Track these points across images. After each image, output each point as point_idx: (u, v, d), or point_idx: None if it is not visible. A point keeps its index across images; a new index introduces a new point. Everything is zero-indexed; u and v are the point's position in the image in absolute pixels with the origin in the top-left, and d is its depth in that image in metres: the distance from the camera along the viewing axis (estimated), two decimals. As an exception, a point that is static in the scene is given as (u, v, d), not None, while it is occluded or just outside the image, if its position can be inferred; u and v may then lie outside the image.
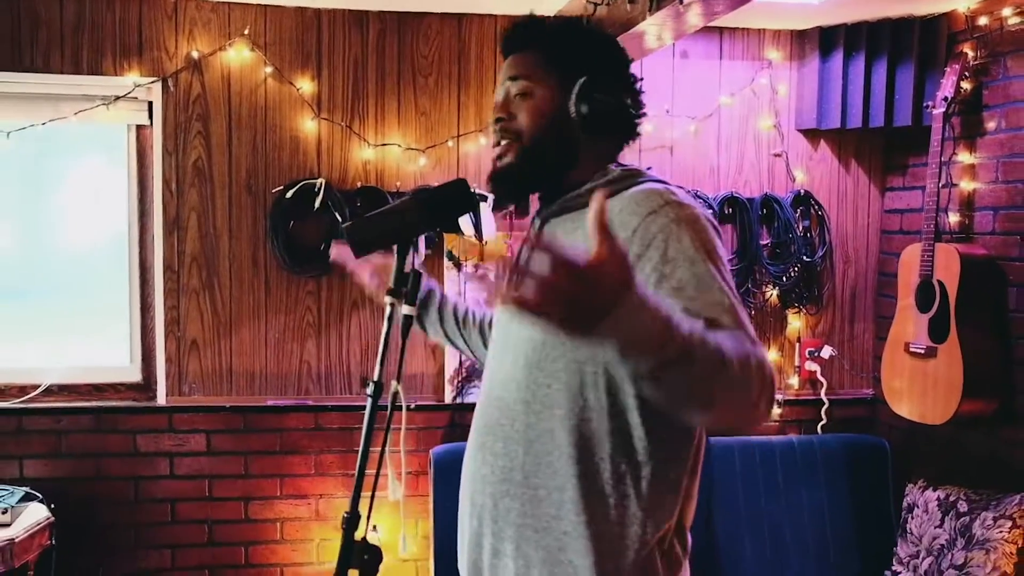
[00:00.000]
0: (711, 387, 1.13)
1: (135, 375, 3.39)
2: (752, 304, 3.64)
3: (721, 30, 3.58)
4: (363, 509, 1.49)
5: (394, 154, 3.40)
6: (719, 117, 3.60)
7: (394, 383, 1.65)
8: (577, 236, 1.45)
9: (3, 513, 2.79)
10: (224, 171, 3.32)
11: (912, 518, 3.30)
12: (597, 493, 1.42)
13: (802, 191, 3.65)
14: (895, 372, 3.31)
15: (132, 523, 3.31)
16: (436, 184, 2.06)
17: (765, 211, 3.63)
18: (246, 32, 3.28)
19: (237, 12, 3.29)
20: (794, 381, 3.71)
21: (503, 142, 1.56)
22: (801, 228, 3.65)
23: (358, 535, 1.52)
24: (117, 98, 3.23)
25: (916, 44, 3.35)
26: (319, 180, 3.31)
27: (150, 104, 3.28)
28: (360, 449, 1.60)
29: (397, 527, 3.30)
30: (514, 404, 1.49)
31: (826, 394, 3.70)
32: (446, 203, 1.60)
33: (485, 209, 3.35)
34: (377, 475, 1.51)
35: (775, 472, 3.50)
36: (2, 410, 3.24)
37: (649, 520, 1.42)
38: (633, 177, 1.50)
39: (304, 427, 3.38)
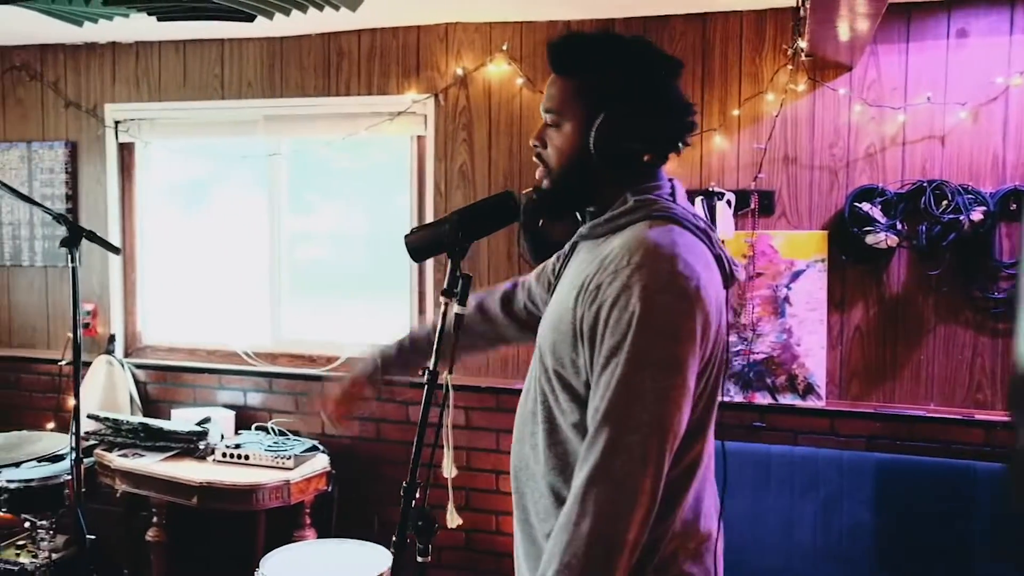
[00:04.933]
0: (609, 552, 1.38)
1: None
2: (1043, 314, 3.16)
3: (1012, 1, 3.16)
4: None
5: (637, 154, 3.50)
6: (1006, 100, 3.18)
7: (445, 374, 1.87)
8: (591, 264, 1.53)
9: (287, 459, 3.42)
10: (484, 174, 3.68)
11: None
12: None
13: (1114, 183, 3.09)
14: None
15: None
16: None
17: (1062, 207, 3.13)
18: (504, 48, 3.61)
19: (497, 30, 3.62)
20: (1101, 407, 3.15)
21: (540, 167, 1.64)
22: (1113, 227, 3.09)
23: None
24: (399, 113, 3.75)
25: None
26: (564, 181, 3.53)
27: (425, 117, 3.75)
28: (417, 429, 1.84)
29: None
30: (534, 407, 1.64)
31: None
32: (481, 218, 1.77)
33: (721, 207, 3.35)
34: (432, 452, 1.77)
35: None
36: (314, 376, 3.93)
37: None
38: (639, 211, 1.53)
39: (549, 411, 3.63)
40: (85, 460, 3.62)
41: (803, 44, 2.93)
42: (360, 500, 3.82)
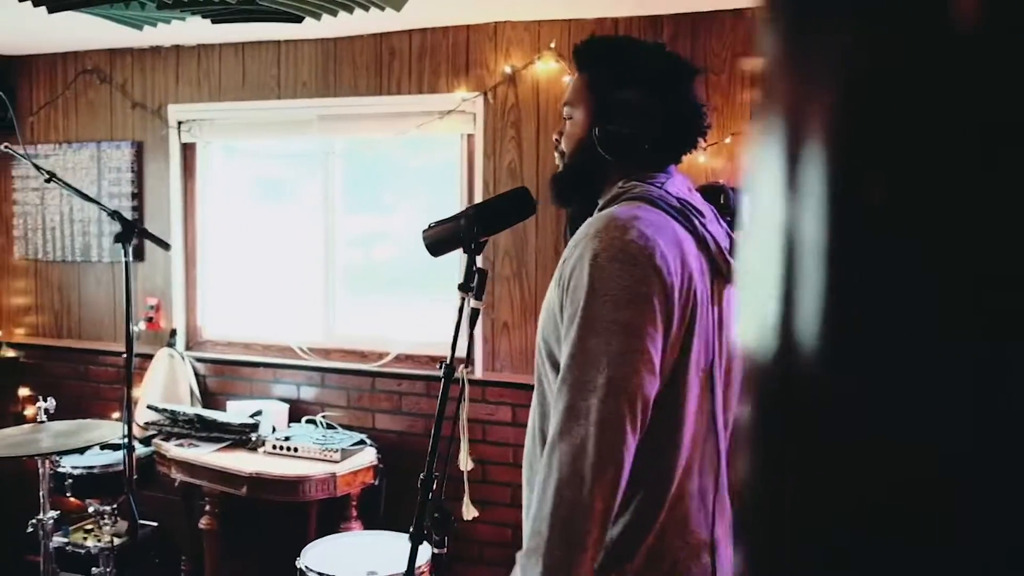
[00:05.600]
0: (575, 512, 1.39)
1: (461, 350, 3.92)
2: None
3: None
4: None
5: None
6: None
7: (461, 368, 1.89)
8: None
9: (335, 452, 3.48)
10: (532, 172, 3.69)
11: None
12: None
13: None
14: None
15: (452, 478, 3.85)
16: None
17: None
18: (552, 46, 3.61)
19: (545, 28, 3.62)
20: None
21: (557, 156, 1.75)
22: None
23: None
24: (449, 112, 3.78)
25: None
26: (611, 179, 3.51)
27: (475, 115, 3.77)
28: (435, 421, 1.87)
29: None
30: (535, 394, 1.69)
31: None
32: (497, 213, 1.80)
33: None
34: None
35: None
36: (365, 371, 4.00)
37: None
38: (619, 196, 1.59)
39: (595, 410, 3.62)
40: (145, 449, 3.76)
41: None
42: (408, 493, 3.85)
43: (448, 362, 1.86)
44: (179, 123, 4.28)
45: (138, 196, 4.36)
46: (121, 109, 4.39)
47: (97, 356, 4.48)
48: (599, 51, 1.69)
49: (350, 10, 3.12)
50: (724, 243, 1.62)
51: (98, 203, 3.01)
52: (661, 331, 1.44)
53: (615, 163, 1.62)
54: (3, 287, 4.71)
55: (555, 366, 1.56)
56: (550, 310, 1.57)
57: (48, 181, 2.98)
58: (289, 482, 3.36)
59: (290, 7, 3.01)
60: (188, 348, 4.35)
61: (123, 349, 4.28)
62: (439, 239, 1.83)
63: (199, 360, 4.30)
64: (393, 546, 3.17)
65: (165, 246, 2.98)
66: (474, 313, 1.83)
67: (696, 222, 1.57)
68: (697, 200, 1.66)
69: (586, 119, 1.65)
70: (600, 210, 1.61)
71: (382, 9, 3.09)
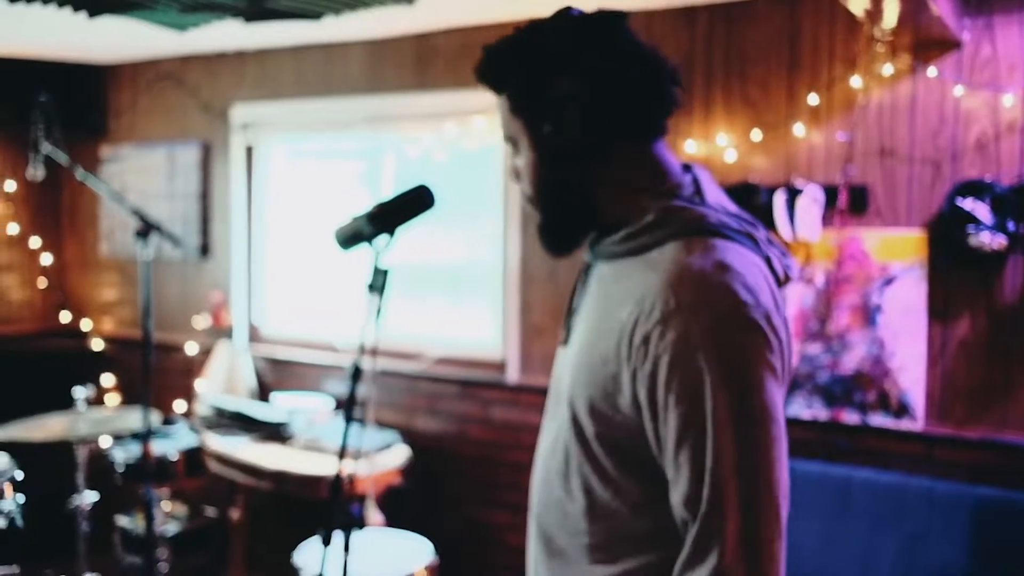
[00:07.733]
0: None
1: (497, 354, 3.86)
2: None
3: None
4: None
5: (720, 147, 3.28)
6: None
7: (367, 371, 1.84)
8: (624, 300, 1.26)
9: (361, 452, 3.49)
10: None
11: None
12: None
13: None
14: None
15: (484, 482, 3.79)
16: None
17: None
18: (587, 39, 3.49)
19: (581, 21, 3.50)
20: None
21: (529, 204, 1.42)
22: None
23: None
24: (490, 110, 3.72)
25: None
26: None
27: (512, 113, 3.70)
28: (344, 425, 1.83)
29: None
30: (563, 469, 1.37)
31: None
32: (394, 210, 1.74)
33: (804, 205, 3.07)
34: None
35: None
36: (402, 373, 3.99)
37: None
38: (664, 226, 1.27)
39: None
40: (194, 440, 3.90)
41: (885, 24, 2.61)
42: (437, 496, 3.84)
43: (356, 364, 1.81)
44: (241, 125, 4.41)
45: (204, 195, 4.52)
46: (191, 112, 4.56)
47: (168, 349, 4.67)
48: (500, 63, 1.37)
49: (367, 6, 3.12)
50: (779, 253, 1.34)
51: (123, 202, 3.13)
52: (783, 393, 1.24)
53: (600, 168, 1.32)
54: (92, 282, 5.00)
55: (616, 449, 1.29)
56: (601, 381, 1.27)
57: (82, 180, 3.12)
58: (309, 479, 3.39)
59: (304, 5, 3.04)
60: (249, 341, 4.47)
61: (192, 342, 4.48)
62: (345, 236, 1.78)
63: (257, 355, 4.42)
64: (401, 546, 3.16)
65: (177, 243, 3.07)
66: (376, 312, 1.77)
67: (761, 239, 1.31)
68: (729, 200, 1.37)
69: (533, 145, 1.33)
70: (624, 241, 1.29)
71: (399, 1, 3.07)
